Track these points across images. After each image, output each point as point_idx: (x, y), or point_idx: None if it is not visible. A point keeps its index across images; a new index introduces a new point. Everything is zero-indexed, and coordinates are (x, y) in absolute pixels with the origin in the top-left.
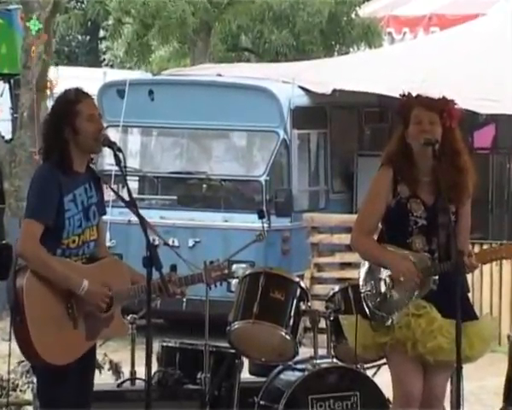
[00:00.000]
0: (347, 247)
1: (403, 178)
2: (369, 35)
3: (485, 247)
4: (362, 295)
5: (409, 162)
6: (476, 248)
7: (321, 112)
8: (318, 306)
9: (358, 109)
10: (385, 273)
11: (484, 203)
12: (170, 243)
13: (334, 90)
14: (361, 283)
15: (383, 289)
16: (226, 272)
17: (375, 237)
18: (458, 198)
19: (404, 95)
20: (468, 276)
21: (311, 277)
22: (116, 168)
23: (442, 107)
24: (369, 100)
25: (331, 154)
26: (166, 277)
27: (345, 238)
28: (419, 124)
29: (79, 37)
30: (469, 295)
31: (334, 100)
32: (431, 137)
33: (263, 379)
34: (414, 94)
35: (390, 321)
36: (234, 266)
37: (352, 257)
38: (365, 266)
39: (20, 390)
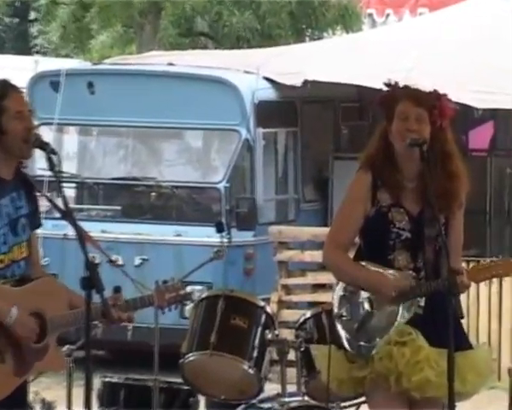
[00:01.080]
0: (321, 265)
1: (384, 184)
2: (347, 17)
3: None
4: (335, 320)
5: (391, 165)
6: (471, 266)
7: (290, 107)
8: (287, 334)
9: (334, 104)
10: (363, 295)
11: (480, 214)
12: (113, 260)
13: (306, 82)
14: (335, 307)
15: (361, 313)
16: (182, 293)
17: (352, 254)
18: (448, 207)
19: (388, 84)
20: (463, 299)
21: (279, 300)
22: (50, 174)
23: (433, 102)
24: (346, 93)
25: (302, 156)
26: (110, 300)
27: (318, 255)
28: (404, 121)
29: (6, 19)
30: (463, 320)
31: (306, 93)
32: (418, 137)
33: None
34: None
35: (369, 351)
36: (188, 289)
37: (327, 277)
38: (340, 287)
39: None
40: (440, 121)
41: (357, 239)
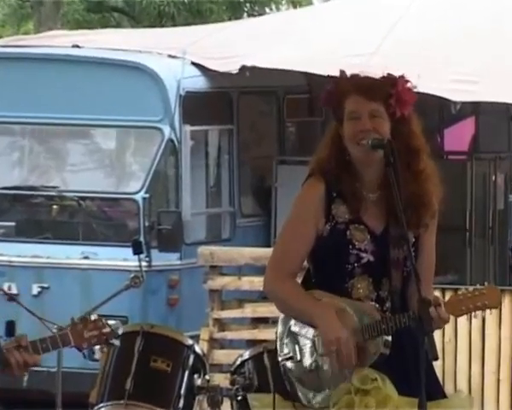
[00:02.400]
0: (262, 295)
1: (340, 195)
2: None
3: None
4: (280, 363)
5: (348, 172)
6: (447, 297)
7: (224, 100)
8: (221, 380)
9: (278, 96)
10: (313, 332)
11: (459, 232)
12: (5, 289)
13: (243, 69)
14: (278, 346)
15: (313, 354)
16: (107, 330)
17: (299, 280)
18: (418, 220)
19: (331, 77)
20: (437, 336)
21: (211, 338)
22: None
23: (387, 90)
24: (293, 83)
25: (239, 160)
26: (13, 342)
27: (259, 283)
28: (356, 120)
29: None
30: (438, 363)
31: (244, 82)
32: (380, 137)
33: None
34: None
35: (324, 402)
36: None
37: (269, 309)
38: (285, 320)
39: None
40: (400, 111)
41: (305, 262)
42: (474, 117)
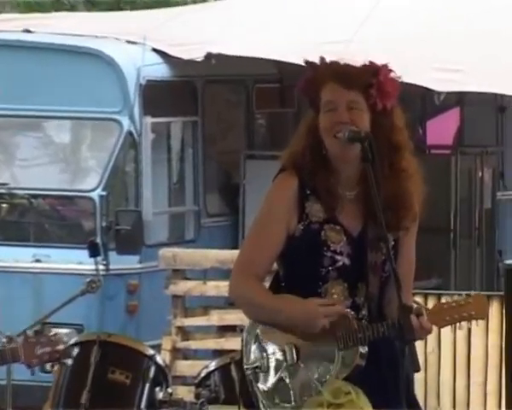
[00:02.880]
0: (229, 301)
1: (314, 193)
2: None
3: (443, 300)
4: (247, 374)
5: (324, 168)
6: (430, 303)
7: (188, 90)
8: (184, 393)
9: (247, 86)
10: (282, 339)
11: (443, 233)
12: None
13: (209, 56)
14: (244, 354)
15: (282, 365)
16: (61, 348)
17: (267, 285)
18: (399, 222)
19: (309, 62)
20: (419, 346)
21: (173, 348)
22: None
23: (367, 79)
24: (263, 71)
25: (205, 155)
26: None
27: (225, 288)
28: (333, 112)
29: None
30: (420, 375)
31: (209, 71)
32: (358, 129)
33: None
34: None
35: None
36: (52, 332)
37: (237, 316)
38: (253, 328)
39: None
40: (382, 103)
41: (274, 265)
42: (458, 108)
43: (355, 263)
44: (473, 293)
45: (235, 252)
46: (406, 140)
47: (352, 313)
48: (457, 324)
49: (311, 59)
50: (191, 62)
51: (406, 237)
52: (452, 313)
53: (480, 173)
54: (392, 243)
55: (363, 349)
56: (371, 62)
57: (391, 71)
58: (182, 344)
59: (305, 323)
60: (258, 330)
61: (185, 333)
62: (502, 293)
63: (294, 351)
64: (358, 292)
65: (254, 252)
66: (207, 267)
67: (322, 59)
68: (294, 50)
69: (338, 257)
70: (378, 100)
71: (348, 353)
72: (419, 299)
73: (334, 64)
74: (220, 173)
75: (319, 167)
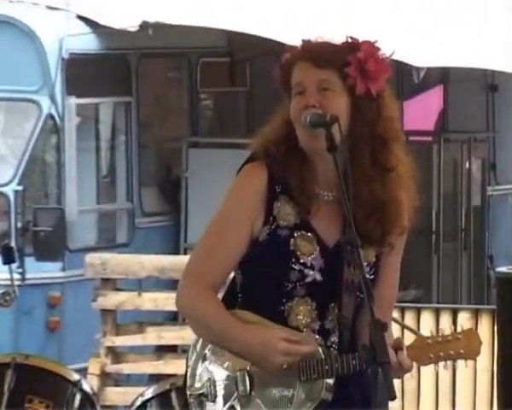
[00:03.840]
0: (170, 316)
1: (285, 191)
2: None
3: (424, 319)
4: (190, 402)
5: (298, 162)
6: (408, 318)
7: (120, 65)
8: None
9: (190, 61)
10: (234, 363)
11: (423, 234)
12: None
13: (145, 25)
14: (189, 378)
15: (233, 394)
16: None
17: (221, 297)
18: (382, 235)
19: (287, 46)
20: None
21: (102, 372)
22: None
23: (343, 56)
24: (210, 43)
25: (140, 143)
26: None
27: (164, 301)
28: (302, 95)
29: None
30: (396, 403)
31: (146, 43)
32: (322, 113)
33: None
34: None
35: None
36: None
37: (179, 335)
38: (200, 348)
39: None
40: (364, 85)
41: (232, 274)
42: (441, 87)
43: (328, 280)
44: (464, 328)
45: (177, 258)
46: (396, 132)
47: (320, 339)
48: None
49: (269, 29)
50: (124, 33)
51: (391, 255)
52: (437, 350)
53: (468, 164)
54: (374, 259)
55: (330, 382)
56: (352, 39)
57: (376, 48)
58: (112, 368)
59: (260, 358)
60: (206, 351)
61: (116, 354)
62: (493, 307)
63: (248, 379)
64: (329, 314)
65: (209, 258)
66: (143, 276)
67: (309, 41)
68: (247, 18)
69: (308, 271)
70: (358, 81)
71: (312, 385)
72: (394, 314)
73: (307, 42)
74: (158, 165)
75: (293, 160)
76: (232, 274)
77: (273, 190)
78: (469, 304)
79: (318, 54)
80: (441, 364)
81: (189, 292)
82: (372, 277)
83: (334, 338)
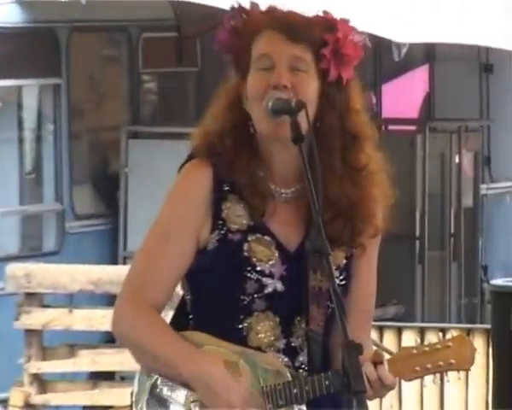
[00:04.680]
0: (108, 337)
1: (235, 190)
2: None
3: (407, 336)
4: None
5: (250, 155)
6: (387, 339)
7: (47, 41)
8: None
9: (130, 36)
10: (190, 396)
11: (405, 240)
12: None
13: None
14: None
15: None
16: None
17: (167, 316)
18: (352, 236)
19: (237, 8)
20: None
21: (26, 403)
22: None
23: (320, 34)
24: (154, 15)
25: (71, 133)
26: None
27: (100, 319)
28: (268, 71)
29: None
30: None
31: (77, 14)
32: (287, 97)
33: None
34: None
35: None
36: None
37: (117, 360)
38: (147, 374)
39: None
40: (337, 71)
41: (179, 289)
42: (427, 67)
43: (291, 289)
44: (452, 334)
45: (115, 268)
46: (366, 127)
47: (286, 359)
48: (430, 375)
49: (227, 4)
50: (51, 2)
51: (364, 257)
52: (424, 362)
53: (458, 158)
54: (344, 261)
55: (301, 408)
56: (326, 13)
57: (351, 29)
58: (38, 398)
59: (207, 402)
60: (154, 380)
61: (43, 383)
62: (487, 326)
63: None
64: (295, 330)
65: (149, 270)
66: (75, 290)
67: (255, 5)
68: None
69: (267, 280)
70: (332, 65)
71: None
72: (372, 334)
73: (275, 10)
74: (93, 158)
75: (243, 154)
76: (180, 289)
77: (220, 189)
78: (460, 323)
79: (292, 25)
80: (429, 378)
81: (128, 315)
82: (343, 282)
83: (303, 357)
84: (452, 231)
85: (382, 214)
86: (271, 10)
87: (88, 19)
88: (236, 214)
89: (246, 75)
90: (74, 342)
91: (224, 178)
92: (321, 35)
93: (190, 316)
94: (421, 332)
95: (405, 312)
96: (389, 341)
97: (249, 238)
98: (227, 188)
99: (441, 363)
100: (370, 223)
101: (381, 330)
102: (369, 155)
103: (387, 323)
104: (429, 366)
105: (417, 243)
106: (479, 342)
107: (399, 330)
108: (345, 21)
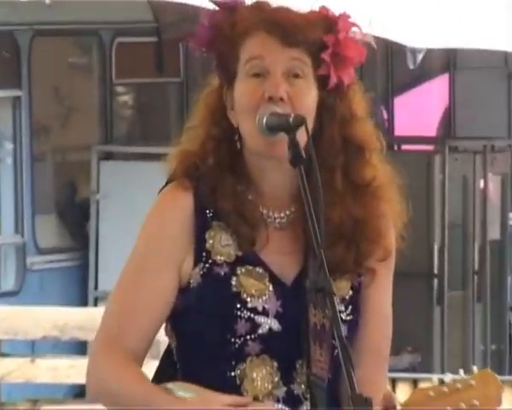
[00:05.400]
0: (78, 390)
1: (219, 216)
2: None
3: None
4: None
5: (236, 175)
6: (403, 391)
7: (6, 46)
8: None
9: (103, 41)
10: None
11: (421, 279)
12: None
13: None
14: None
15: None
16: None
17: (147, 367)
18: (358, 260)
19: (222, 2)
20: None
21: None
22: None
23: (319, 35)
24: (130, 18)
25: (33, 154)
26: None
27: (68, 369)
28: (261, 78)
29: None
30: None
31: (41, 16)
32: (284, 112)
33: None
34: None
35: None
36: None
37: None
38: None
39: None
40: (337, 76)
41: (161, 335)
42: (447, 76)
43: (289, 328)
44: (475, 370)
45: (84, 311)
46: (371, 136)
47: (285, 409)
48: None
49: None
50: (9, 2)
51: (374, 285)
52: (443, 404)
53: (482, 183)
54: (350, 292)
55: None
56: (324, 8)
57: (352, 24)
58: None
59: None
60: None
61: None
62: None
63: None
64: (297, 375)
65: (125, 314)
66: (38, 337)
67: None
68: None
69: (260, 319)
70: (332, 70)
71: None
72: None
73: (266, 7)
74: (59, 183)
75: (228, 175)
76: (163, 335)
77: (202, 216)
78: None
79: (288, 27)
80: None
81: (103, 364)
82: (350, 317)
83: (306, 407)
84: (476, 267)
85: (394, 233)
86: (261, 6)
87: (52, 21)
88: (222, 244)
89: (232, 81)
90: (37, 397)
91: (206, 202)
92: (320, 36)
93: (177, 366)
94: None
95: (422, 361)
96: (403, 394)
97: (238, 271)
98: (210, 214)
99: (463, 405)
100: (378, 244)
101: (393, 382)
102: (376, 167)
103: (401, 374)
104: (449, 409)
105: (435, 281)
106: (508, 396)
107: (415, 383)
108: (344, 16)
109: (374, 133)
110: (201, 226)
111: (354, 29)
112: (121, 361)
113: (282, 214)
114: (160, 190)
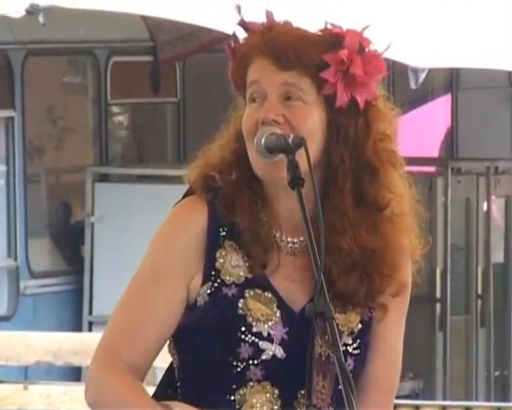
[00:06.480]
0: None
1: (232, 235)
2: None
3: None
4: None
5: (253, 197)
6: None
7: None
8: None
9: (98, 61)
10: None
11: (423, 304)
12: None
13: (34, 9)
14: None
15: None
16: None
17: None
18: (369, 294)
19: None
20: None
21: None
22: None
23: (319, 54)
24: (126, 36)
25: (27, 175)
26: None
27: (61, 395)
28: (259, 103)
29: None
30: None
31: (35, 35)
32: (281, 132)
33: None
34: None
35: None
36: None
37: None
38: None
39: None
40: (347, 95)
41: (157, 361)
42: (449, 96)
43: (293, 357)
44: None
45: (78, 337)
46: (391, 154)
47: None
48: None
49: (209, 17)
50: (4, 21)
51: (386, 320)
52: None
53: (486, 205)
54: (359, 326)
55: None
56: (334, 26)
57: (365, 41)
58: None
59: None
60: None
61: None
62: None
63: None
64: (298, 405)
65: (129, 331)
66: (31, 362)
67: (270, 13)
68: (179, 2)
69: (264, 345)
70: (340, 89)
71: None
72: None
73: (268, 30)
74: (52, 206)
75: (245, 193)
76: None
77: (216, 234)
78: (488, 400)
79: (281, 50)
80: None
81: (104, 381)
82: (357, 351)
83: None
84: (479, 291)
85: (410, 266)
86: (264, 31)
87: (46, 40)
88: (233, 265)
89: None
90: None
91: (221, 220)
92: (320, 55)
93: (177, 384)
94: None
95: (424, 387)
96: None
97: (246, 294)
98: (223, 233)
99: None
100: (393, 278)
101: (395, 408)
102: (393, 191)
103: (403, 401)
104: None
105: (438, 306)
106: None
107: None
108: (353, 33)
109: (395, 155)
110: (213, 245)
111: (371, 46)
112: (122, 377)
113: (296, 240)
114: (177, 203)
